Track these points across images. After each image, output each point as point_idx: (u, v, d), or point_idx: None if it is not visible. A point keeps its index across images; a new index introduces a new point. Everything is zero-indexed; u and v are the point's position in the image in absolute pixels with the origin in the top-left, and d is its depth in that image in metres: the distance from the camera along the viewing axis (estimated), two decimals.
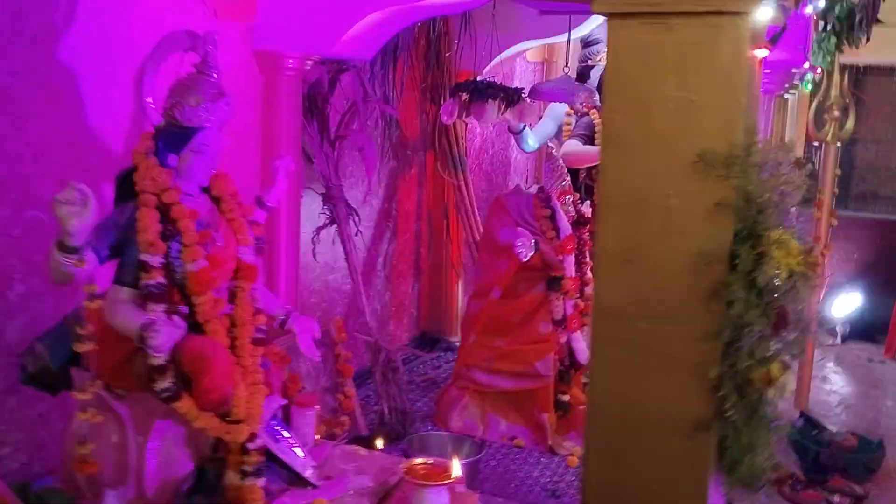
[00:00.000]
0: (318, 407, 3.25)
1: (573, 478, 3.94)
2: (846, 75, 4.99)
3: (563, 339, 4.40)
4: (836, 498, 3.80)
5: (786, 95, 4.80)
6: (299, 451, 2.83)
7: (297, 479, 2.77)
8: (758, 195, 1.46)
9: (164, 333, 2.22)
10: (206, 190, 2.61)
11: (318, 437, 3.19)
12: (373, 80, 4.63)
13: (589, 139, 5.74)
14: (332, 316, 4.44)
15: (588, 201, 4.47)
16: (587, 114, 4.56)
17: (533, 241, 4.19)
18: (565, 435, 4.32)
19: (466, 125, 5.57)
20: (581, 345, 4.42)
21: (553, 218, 4.30)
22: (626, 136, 1.54)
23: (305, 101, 4.02)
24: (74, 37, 2.77)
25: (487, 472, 3.95)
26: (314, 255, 4.27)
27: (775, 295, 1.42)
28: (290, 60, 3.67)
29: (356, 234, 4.36)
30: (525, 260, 4.18)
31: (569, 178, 4.46)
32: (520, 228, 4.21)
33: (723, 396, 1.39)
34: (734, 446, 1.47)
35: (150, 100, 2.47)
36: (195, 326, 2.45)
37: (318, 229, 4.24)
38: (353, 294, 4.44)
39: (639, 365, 1.42)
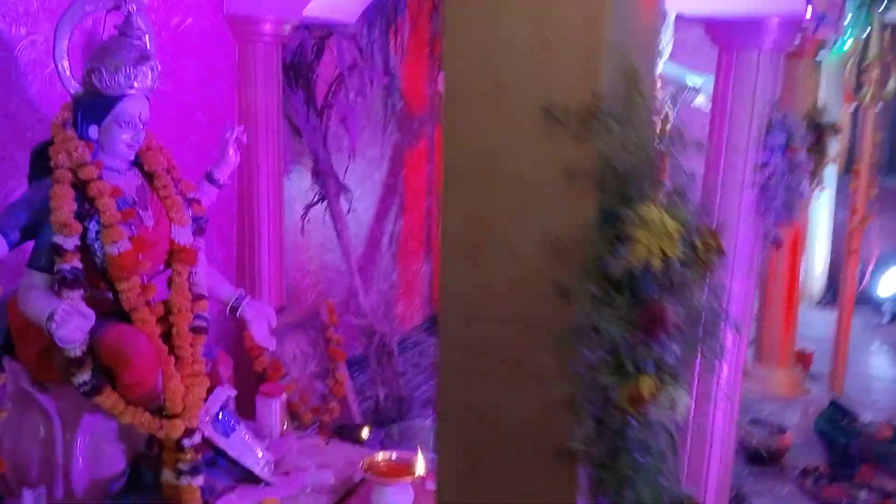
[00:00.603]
0: (284, 396, 3.05)
1: None
2: (888, 32, 4.56)
3: None
4: (864, 494, 3.46)
5: (818, 57, 4.39)
6: (254, 445, 2.62)
7: (248, 476, 2.57)
8: (624, 161, 1.15)
9: (71, 324, 2.02)
10: (138, 165, 2.41)
11: (284, 427, 3.00)
12: (370, 46, 4.37)
13: None
14: (331, 297, 4.24)
15: None
16: None
17: None
18: None
19: None
20: None
21: None
22: (469, 89, 1.23)
23: (289, 70, 3.80)
24: (9, 4, 2.58)
25: None
26: (302, 234, 4.06)
27: (641, 290, 1.12)
28: (265, 25, 3.44)
29: (349, 211, 4.13)
30: None
31: None
32: None
33: (579, 420, 1.12)
34: (608, 479, 1.19)
35: (65, 65, 2.26)
36: (122, 315, 2.26)
37: (307, 207, 4.02)
38: (348, 275, 4.21)
39: (489, 375, 1.14)
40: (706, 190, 2.80)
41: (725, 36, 2.70)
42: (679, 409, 1.19)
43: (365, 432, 3.52)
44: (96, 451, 2.31)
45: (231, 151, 2.75)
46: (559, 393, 1.11)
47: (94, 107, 2.23)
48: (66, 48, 2.26)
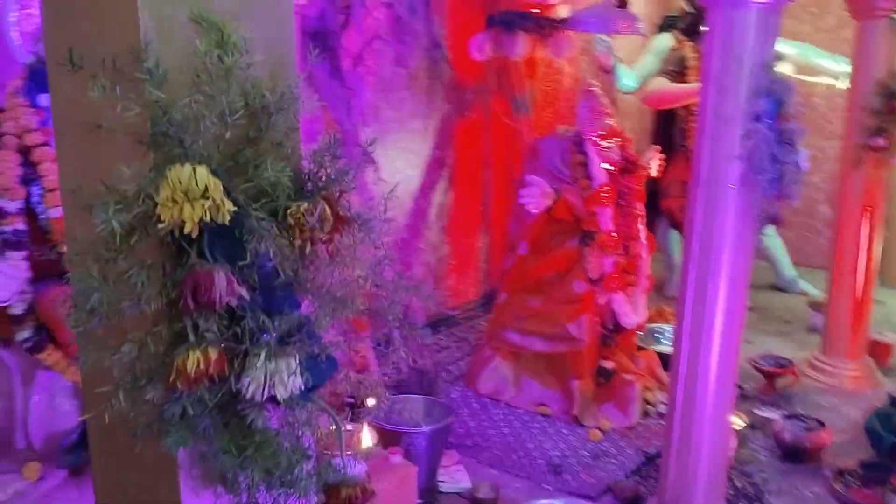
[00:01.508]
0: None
1: (587, 453, 3.54)
2: None
3: (603, 301, 3.95)
4: None
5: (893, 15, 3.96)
6: None
7: None
8: (172, 117, 1.03)
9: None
10: None
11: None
12: (410, 13, 4.32)
13: (679, 76, 5.16)
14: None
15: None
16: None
17: (548, 190, 3.75)
18: (601, 405, 3.90)
19: (540, 62, 5.12)
20: (624, 307, 3.96)
21: (586, 165, 3.83)
22: (59, 52, 1.13)
23: (313, 38, 3.81)
24: None
25: (493, 441, 3.64)
26: None
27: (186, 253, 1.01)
28: None
29: (376, 183, 4.11)
30: (535, 212, 3.76)
31: (611, 119, 3.93)
32: (532, 177, 3.78)
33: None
34: (209, 456, 1.10)
35: (14, 35, 2.35)
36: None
37: None
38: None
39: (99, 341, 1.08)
40: (697, 161, 2.60)
41: None
42: (284, 386, 1.11)
43: (370, 401, 3.51)
44: (51, 405, 2.42)
45: None
46: (116, 361, 1.05)
47: (45, 76, 2.31)
48: (14, 19, 2.35)
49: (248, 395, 1.13)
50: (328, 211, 1.22)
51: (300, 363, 1.18)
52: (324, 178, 1.26)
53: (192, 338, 1.07)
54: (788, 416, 3.63)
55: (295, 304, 1.24)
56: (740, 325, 2.68)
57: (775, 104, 2.38)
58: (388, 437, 3.02)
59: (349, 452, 2.49)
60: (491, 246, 5.41)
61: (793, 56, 4.96)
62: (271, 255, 1.15)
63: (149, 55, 1.05)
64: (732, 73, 2.44)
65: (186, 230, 1.02)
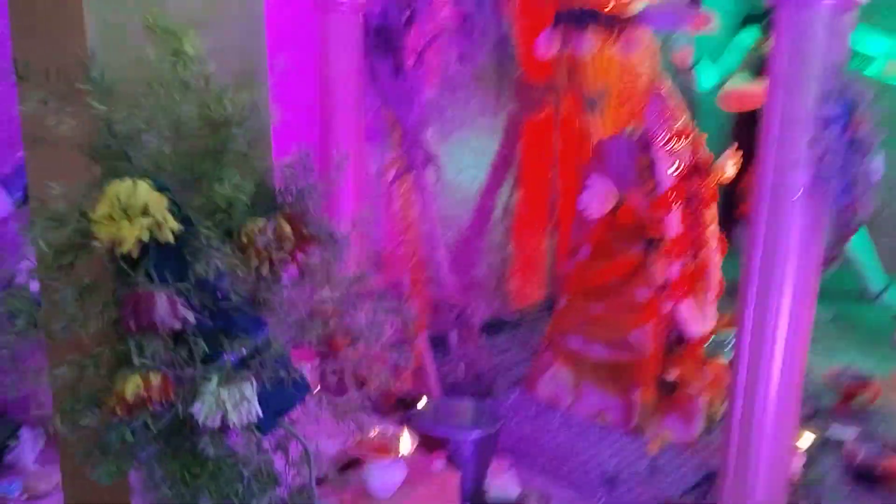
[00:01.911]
0: (315, 361, 3.06)
1: (644, 466, 3.41)
2: None
3: (669, 309, 3.80)
4: None
5: None
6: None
7: None
8: (116, 130, 0.95)
9: None
10: None
11: (316, 392, 3.02)
12: (478, 9, 4.24)
13: (761, 75, 4.94)
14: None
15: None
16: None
17: (610, 194, 3.63)
18: (662, 417, 3.76)
19: (615, 59, 4.97)
20: (690, 316, 3.81)
21: (652, 167, 3.69)
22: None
23: (377, 35, 3.78)
24: None
25: (547, 449, 3.55)
26: (388, 204, 4.06)
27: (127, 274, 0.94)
28: None
29: (437, 182, 4.07)
30: (595, 217, 3.64)
31: (682, 119, 3.77)
32: (592, 178, 3.67)
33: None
34: (169, 481, 1.04)
35: None
36: None
37: (395, 177, 4.01)
38: (429, 248, 4.14)
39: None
40: (761, 167, 2.46)
41: None
42: (240, 413, 1.05)
43: (421, 404, 3.48)
44: None
45: None
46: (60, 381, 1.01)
47: None
48: None
49: (200, 422, 1.09)
50: (286, 229, 1.16)
51: (265, 387, 1.13)
52: (293, 194, 1.19)
53: (135, 361, 1.03)
54: (864, 437, 3.42)
55: (258, 326, 1.19)
56: (806, 338, 2.52)
57: (847, 108, 2.22)
58: (432, 442, 2.97)
59: (389, 457, 2.46)
60: (558, 247, 5.30)
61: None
62: (226, 275, 1.10)
63: (94, 65, 1.01)
64: (800, 75, 2.29)
65: (125, 249, 0.98)
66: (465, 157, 4.49)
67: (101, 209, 0.98)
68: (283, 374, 1.18)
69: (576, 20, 3.81)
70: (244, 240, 1.13)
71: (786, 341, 2.47)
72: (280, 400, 1.18)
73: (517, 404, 4.00)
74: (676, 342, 3.88)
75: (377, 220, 4.11)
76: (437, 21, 4.02)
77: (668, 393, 3.84)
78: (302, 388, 1.23)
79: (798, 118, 2.30)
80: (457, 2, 4.13)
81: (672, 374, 3.88)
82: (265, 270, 1.15)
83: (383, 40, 3.80)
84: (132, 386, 1.02)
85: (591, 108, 4.82)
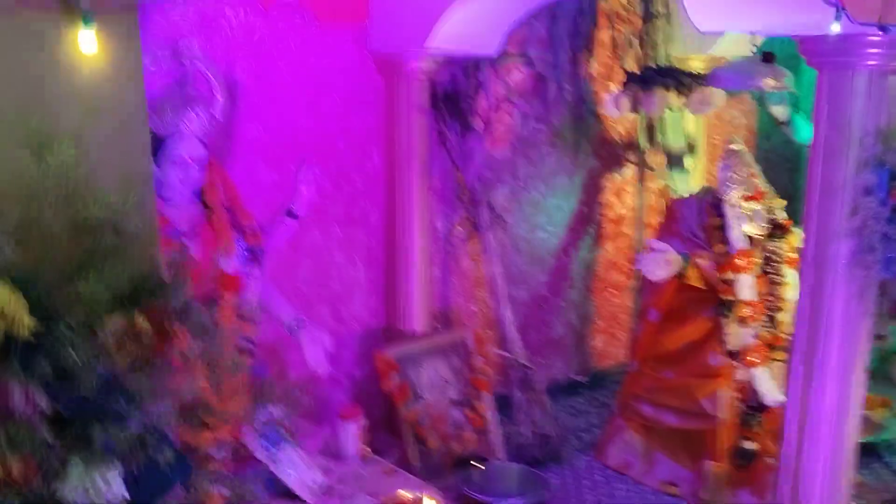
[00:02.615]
0: (362, 420, 3.11)
1: None
2: None
3: (744, 375, 3.63)
4: None
5: None
6: (301, 464, 2.73)
7: (288, 492, 2.69)
8: None
9: None
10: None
11: (361, 450, 3.06)
12: (554, 71, 4.27)
13: None
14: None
15: None
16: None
17: (671, 258, 3.51)
18: (736, 490, 3.57)
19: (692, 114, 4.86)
20: (766, 383, 3.62)
21: (723, 229, 3.57)
22: None
23: (444, 100, 3.87)
24: None
25: None
26: (452, 262, 4.09)
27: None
28: (408, 61, 3.55)
29: (505, 241, 4.08)
30: (656, 281, 3.53)
31: (758, 180, 3.64)
32: (656, 242, 3.57)
33: None
34: None
35: None
36: None
37: (462, 237, 4.05)
38: (497, 306, 4.13)
39: None
40: (805, 236, 2.34)
41: (816, 53, 2.23)
42: (101, 496, 1.06)
43: (479, 465, 3.45)
44: None
45: (303, 187, 2.88)
46: None
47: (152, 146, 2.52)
48: None
49: (68, 502, 1.14)
50: (143, 325, 1.20)
51: (140, 469, 1.16)
52: (156, 290, 1.24)
53: (1, 445, 1.10)
54: None
55: (134, 412, 1.24)
56: (856, 414, 2.36)
57: (888, 176, 2.10)
58: None
59: None
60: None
61: None
62: (96, 366, 1.16)
63: None
64: (840, 141, 2.19)
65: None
66: (539, 216, 4.48)
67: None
68: (159, 457, 1.22)
69: (645, 80, 3.77)
70: (101, 335, 1.19)
71: (832, 417, 2.32)
72: (156, 481, 1.22)
73: (585, 470, 3.90)
74: (753, 411, 3.69)
75: (445, 278, 4.15)
76: (507, 85, 4.07)
77: (744, 464, 3.65)
78: (181, 469, 1.27)
79: (837, 186, 2.19)
80: (529, 64, 4.19)
81: (748, 445, 3.69)
82: (124, 363, 1.20)
83: (452, 105, 3.88)
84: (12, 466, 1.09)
85: (673, 165, 4.73)
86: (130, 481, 1.19)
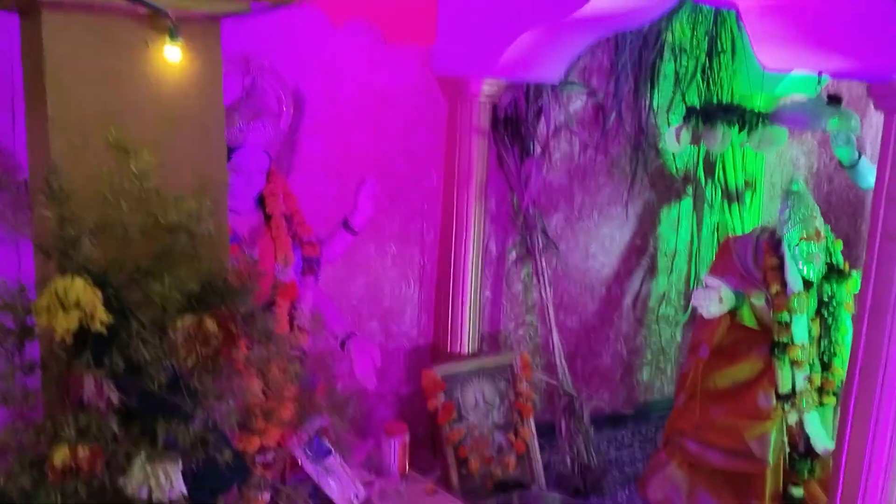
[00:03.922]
0: (406, 437, 3.13)
1: None
2: None
3: (794, 420, 3.57)
4: None
5: None
6: (345, 477, 2.76)
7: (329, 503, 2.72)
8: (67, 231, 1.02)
9: None
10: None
11: (402, 467, 3.08)
12: (616, 102, 4.28)
13: None
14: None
15: None
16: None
17: (724, 296, 3.46)
18: None
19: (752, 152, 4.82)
20: (815, 430, 3.55)
21: (781, 269, 3.52)
22: None
23: (505, 125, 3.91)
24: None
25: None
26: (507, 286, 4.11)
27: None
28: (472, 85, 3.60)
29: (555, 267, 4.09)
30: (708, 317, 3.49)
31: (818, 221, 3.58)
32: (711, 279, 3.53)
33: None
34: None
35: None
36: None
37: (516, 261, 4.07)
38: (546, 332, 4.13)
39: None
40: (863, 283, 2.31)
41: (886, 96, 2.21)
42: (161, 490, 1.09)
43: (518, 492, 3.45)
44: None
45: (363, 202, 2.94)
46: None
47: None
48: None
49: (129, 494, 1.18)
50: (211, 327, 1.24)
51: (199, 467, 1.20)
52: (226, 295, 1.28)
53: (70, 433, 1.14)
54: None
55: (197, 410, 1.28)
56: None
57: None
58: None
59: None
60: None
61: None
62: (165, 363, 1.20)
63: (57, 176, 1.18)
64: None
65: (58, 335, 1.11)
66: (592, 245, 4.48)
67: (41, 300, 1.14)
68: (218, 457, 1.26)
69: (707, 115, 3.75)
70: (171, 334, 1.24)
71: (887, 468, 2.27)
72: (215, 480, 1.26)
73: (626, 503, 3.87)
74: (802, 456, 3.62)
75: (496, 301, 4.17)
76: (567, 112, 4.10)
77: None
78: (239, 471, 1.30)
79: None
80: (590, 93, 4.20)
81: (796, 492, 3.62)
82: (190, 362, 1.24)
83: (512, 129, 3.92)
84: (60, 455, 1.14)
85: (732, 201, 4.69)
86: (190, 479, 1.23)
